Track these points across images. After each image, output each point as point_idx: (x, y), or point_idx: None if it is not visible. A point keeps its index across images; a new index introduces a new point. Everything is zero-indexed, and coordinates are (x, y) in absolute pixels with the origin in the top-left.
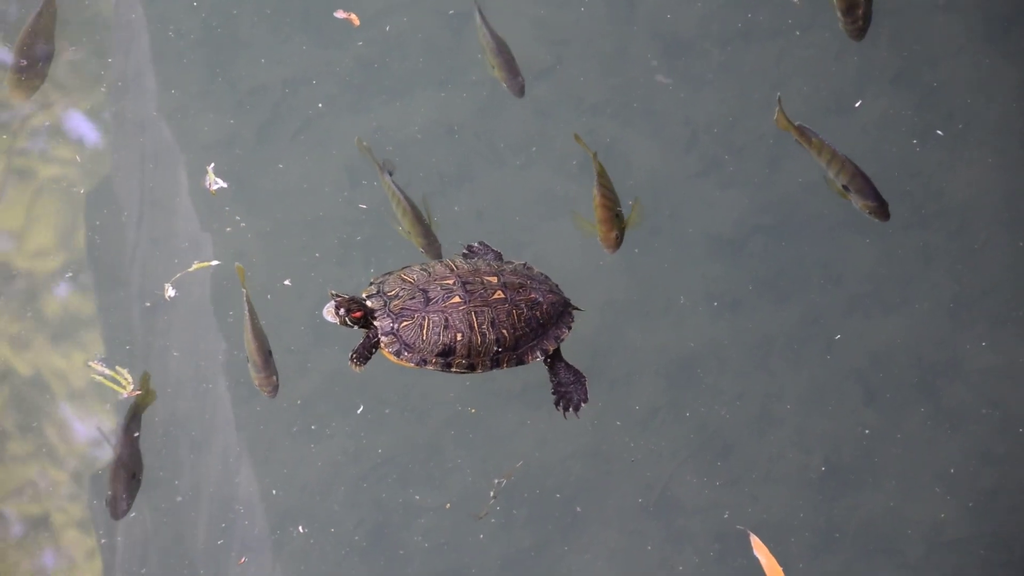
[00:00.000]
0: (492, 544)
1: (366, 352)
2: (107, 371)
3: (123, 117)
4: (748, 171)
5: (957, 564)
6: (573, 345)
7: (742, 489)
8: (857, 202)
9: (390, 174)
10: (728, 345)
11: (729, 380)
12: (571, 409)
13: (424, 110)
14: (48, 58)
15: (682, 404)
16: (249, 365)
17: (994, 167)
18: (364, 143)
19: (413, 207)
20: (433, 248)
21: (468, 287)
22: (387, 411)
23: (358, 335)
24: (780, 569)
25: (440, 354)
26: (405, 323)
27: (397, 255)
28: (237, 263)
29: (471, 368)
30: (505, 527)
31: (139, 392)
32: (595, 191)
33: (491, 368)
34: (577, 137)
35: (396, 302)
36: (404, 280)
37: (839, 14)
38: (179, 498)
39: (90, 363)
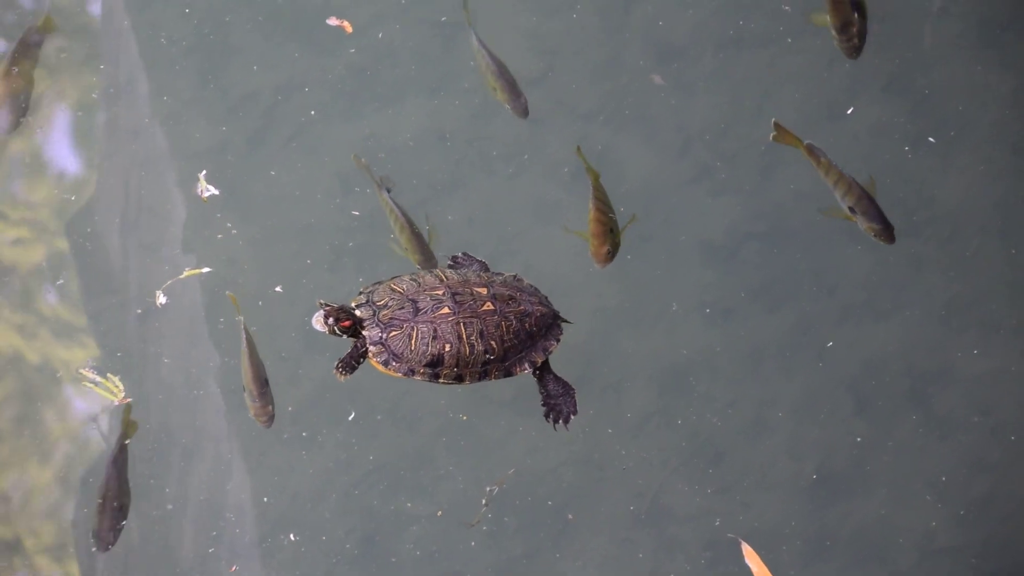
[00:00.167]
0: (484, 552)
1: (353, 362)
2: (98, 378)
3: (115, 124)
4: (740, 178)
5: (949, 572)
6: (565, 352)
7: (734, 497)
8: (863, 224)
9: (388, 191)
10: (720, 353)
11: (721, 388)
12: (561, 422)
13: (416, 117)
14: (26, 102)
15: (674, 412)
16: (245, 395)
17: (986, 174)
18: (363, 160)
19: (411, 224)
20: (430, 265)
21: (458, 298)
22: (379, 418)
23: (350, 343)
24: None
25: (428, 365)
26: (394, 333)
27: (389, 262)
28: (229, 292)
29: (459, 379)
30: (497, 535)
31: (128, 399)
32: (591, 204)
33: (479, 380)
34: (578, 150)
35: (385, 312)
36: (394, 290)
37: (833, 32)
38: (169, 506)
39: (81, 370)
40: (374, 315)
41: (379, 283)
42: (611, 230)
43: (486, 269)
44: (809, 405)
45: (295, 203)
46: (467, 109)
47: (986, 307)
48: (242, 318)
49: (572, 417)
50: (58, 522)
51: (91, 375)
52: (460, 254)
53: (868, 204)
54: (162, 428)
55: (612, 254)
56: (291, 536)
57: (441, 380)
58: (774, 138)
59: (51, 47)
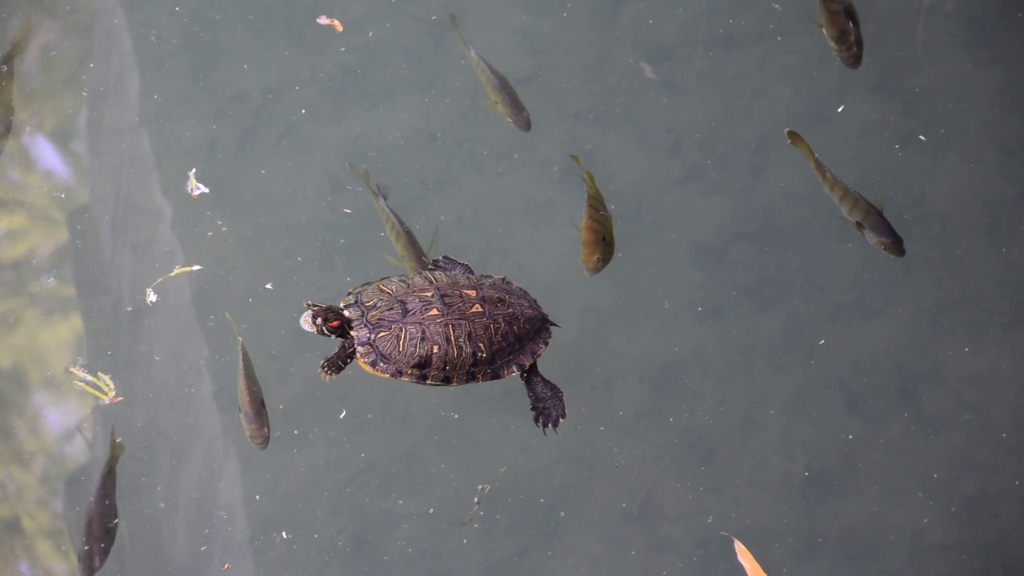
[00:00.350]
0: (475, 550)
1: (339, 362)
2: (89, 377)
3: (105, 122)
4: (730, 178)
5: (939, 570)
6: (556, 351)
7: (725, 495)
8: (872, 239)
9: (384, 198)
10: (711, 352)
11: (712, 386)
12: (550, 425)
13: (406, 116)
14: (7, 129)
15: (665, 410)
16: (240, 416)
17: (976, 173)
18: (364, 167)
19: (407, 232)
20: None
21: (447, 300)
22: (370, 416)
23: (339, 342)
24: (764, 575)
25: (416, 366)
26: (382, 334)
27: (379, 261)
28: (228, 313)
29: (446, 381)
30: (488, 533)
31: (119, 398)
32: (584, 211)
33: (466, 381)
34: (574, 158)
35: (374, 313)
36: (383, 291)
37: (832, 43)
38: (161, 504)
39: (71, 369)
40: (362, 316)
41: (368, 284)
42: (603, 238)
43: (470, 272)
44: (800, 403)
45: (285, 201)
46: (457, 108)
47: (976, 306)
48: (241, 339)
49: (561, 420)
50: (52, 511)
51: (82, 374)
52: (441, 258)
53: (876, 218)
54: (152, 426)
55: (603, 263)
56: (283, 534)
57: (429, 382)
58: (789, 135)
59: (41, 46)
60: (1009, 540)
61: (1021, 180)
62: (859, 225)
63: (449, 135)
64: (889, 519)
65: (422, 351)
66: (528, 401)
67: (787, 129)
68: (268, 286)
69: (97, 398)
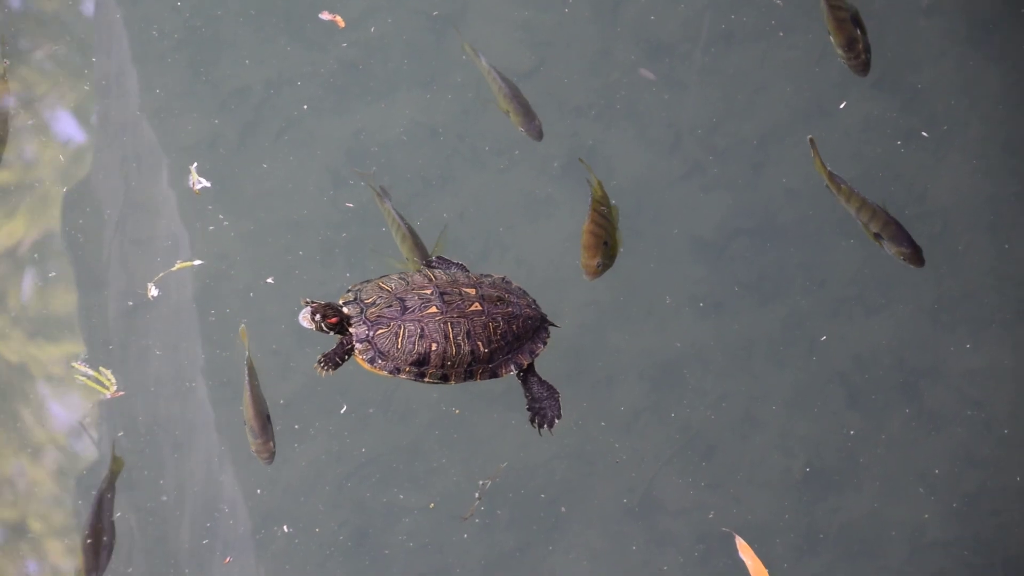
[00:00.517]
0: (476, 544)
1: (336, 358)
2: (90, 372)
3: (105, 117)
4: (731, 174)
5: (940, 566)
6: (556, 347)
7: (726, 490)
8: (891, 249)
9: (389, 199)
10: (711, 347)
11: (712, 382)
12: (545, 426)
13: (408, 112)
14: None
15: (666, 406)
16: (246, 430)
17: (977, 170)
18: (373, 170)
19: (412, 233)
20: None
21: (446, 298)
22: (371, 411)
23: (338, 338)
24: (765, 571)
25: (414, 363)
26: (381, 331)
27: (379, 256)
28: (242, 326)
29: (444, 379)
30: (489, 527)
31: (120, 392)
32: (589, 215)
33: (464, 380)
34: (582, 160)
35: (373, 310)
36: (382, 288)
37: (840, 51)
38: (164, 497)
39: (73, 364)
40: (361, 312)
41: (367, 281)
42: (605, 243)
43: (465, 271)
44: (801, 399)
45: (287, 196)
46: (459, 104)
47: (977, 302)
48: (249, 352)
49: (556, 421)
50: (64, 508)
51: (83, 368)
52: (435, 259)
53: (895, 229)
54: (154, 420)
55: (603, 268)
56: (284, 528)
57: (427, 379)
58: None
59: (44, 41)
60: (1010, 536)
61: (1023, 177)
62: (877, 236)
63: (450, 131)
64: (890, 515)
65: (420, 348)
66: (524, 400)
67: (809, 136)
68: (269, 280)
69: (99, 393)
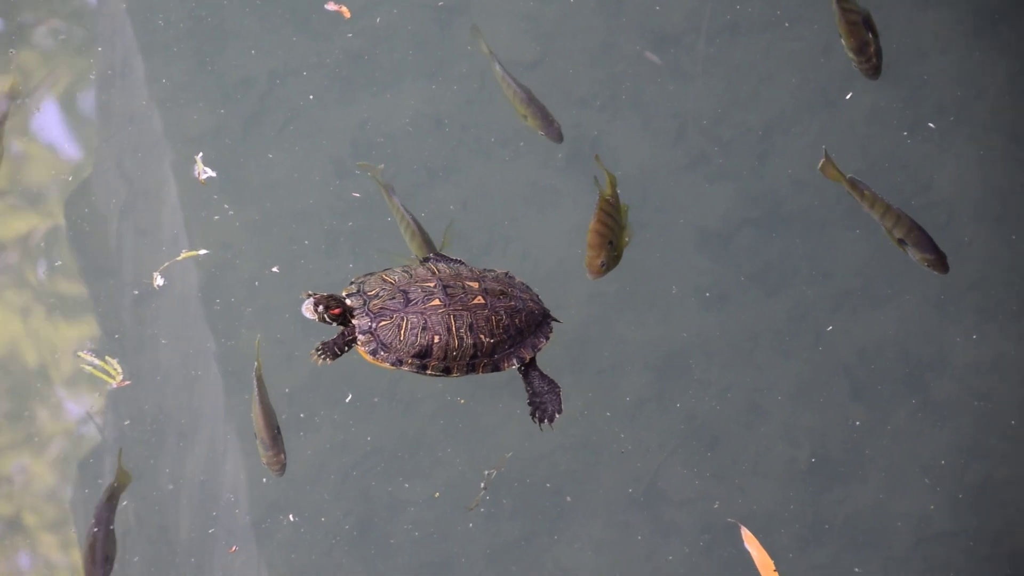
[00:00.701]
0: (481, 534)
1: (335, 348)
2: (96, 361)
3: (111, 106)
4: (736, 164)
5: (944, 557)
6: (561, 338)
7: (731, 481)
8: (915, 255)
9: (396, 195)
10: (717, 338)
11: (717, 373)
12: (546, 421)
13: (413, 102)
14: None
15: (671, 396)
16: (257, 442)
17: (983, 161)
18: (379, 167)
19: (421, 230)
20: None
21: (449, 291)
22: (376, 400)
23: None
24: (771, 562)
25: (416, 355)
26: (383, 323)
27: (384, 245)
28: (258, 337)
29: (447, 371)
30: (494, 517)
31: (126, 382)
32: (595, 213)
33: (466, 373)
34: (597, 158)
35: (376, 302)
36: (385, 281)
37: (851, 55)
38: (170, 486)
39: (79, 353)
40: (364, 304)
41: (370, 274)
42: (611, 242)
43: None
44: (806, 390)
45: (292, 186)
46: (464, 94)
47: (983, 293)
48: (259, 362)
49: (557, 416)
50: (58, 502)
51: (89, 358)
52: (432, 255)
53: (919, 235)
54: (159, 409)
55: (606, 267)
56: (289, 517)
57: (429, 372)
58: (821, 167)
59: (48, 30)
60: (1016, 528)
61: None
62: (901, 242)
63: (455, 121)
64: (895, 506)
65: (423, 341)
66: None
67: (823, 146)
68: (274, 269)
69: (105, 382)
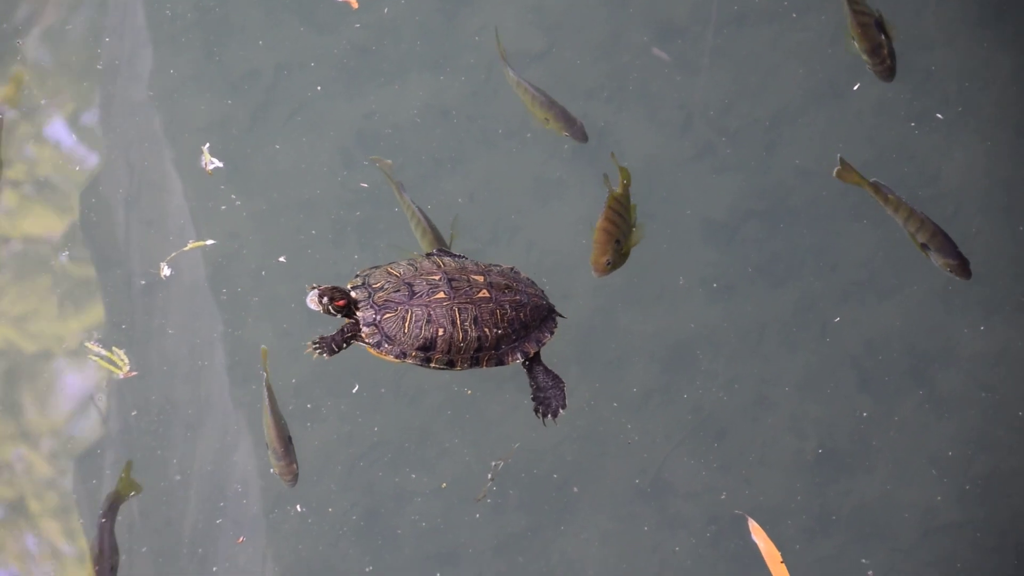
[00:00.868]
0: (488, 525)
1: (334, 344)
2: (104, 352)
3: (118, 97)
4: (743, 155)
5: (951, 548)
6: (568, 330)
7: (737, 472)
8: (938, 260)
9: (402, 187)
10: (724, 329)
11: (724, 364)
12: (549, 415)
13: (419, 94)
14: None
15: (677, 387)
16: (269, 452)
17: (990, 153)
18: (388, 161)
19: (432, 227)
20: None
21: (454, 284)
22: (382, 391)
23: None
24: (778, 553)
25: (420, 348)
26: (388, 315)
27: (391, 236)
28: (263, 346)
29: (450, 364)
30: (500, 508)
31: (133, 373)
32: (603, 211)
33: (470, 366)
34: (613, 156)
35: (380, 294)
36: (390, 273)
37: (865, 57)
38: (177, 476)
39: (87, 343)
40: (369, 297)
41: (376, 267)
42: (617, 241)
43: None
44: (813, 382)
45: (298, 177)
46: (470, 86)
47: (990, 284)
48: (267, 373)
49: (561, 411)
50: (60, 489)
51: (97, 348)
52: (435, 251)
53: (943, 240)
54: (167, 400)
55: (612, 266)
56: (297, 507)
57: (432, 365)
58: (837, 173)
59: (55, 21)
60: (1022, 519)
61: None
62: (924, 247)
63: (462, 112)
64: (902, 497)
65: (427, 333)
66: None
67: (839, 155)
68: (281, 259)
69: (112, 373)
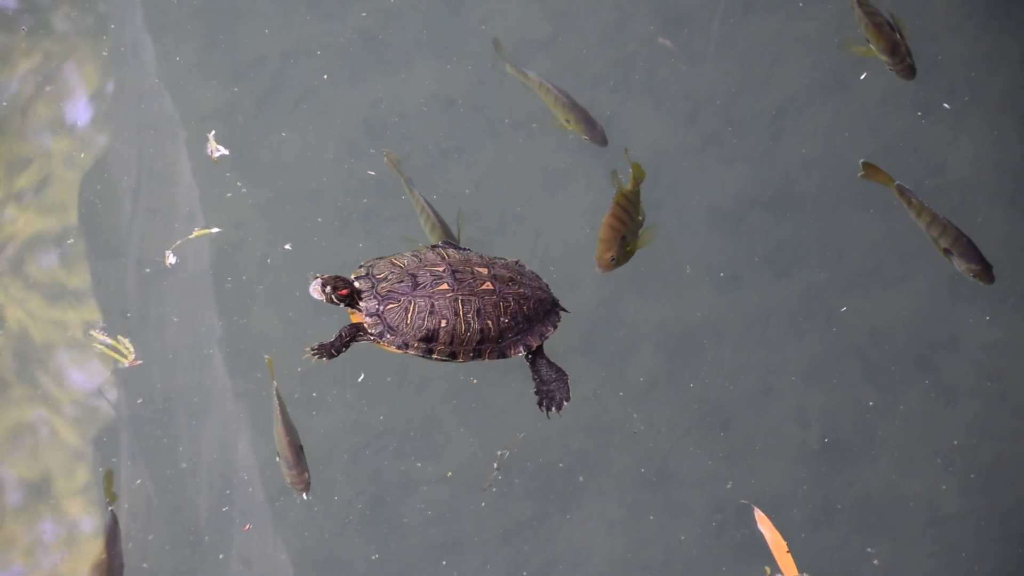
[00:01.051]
0: (493, 513)
1: (333, 350)
2: (108, 340)
3: (123, 85)
4: (749, 145)
5: (956, 538)
6: (574, 319)
7: (743, 462)
8: (960, 265)
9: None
10: (729, 318)
11: (730, 353)
12: (553, 408)
13: (425, 83)
14: None
15: (683, 377)
16: (280, 461)
17: (996, 142)
18: (396, 156)
19: (441, 221)
20: None
21: (457, 275)
22: (388, 380)
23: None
24: (784, 543)
25: (423, 339)
26: (391, 306)
27: (395, 226)
28: (267, 355)
29: (452, 356)
30: (506, 497)
31: (138, 361)
32: (611, 207)
33: (472, 358)
34: (626, 152)
35: (384, 285)
36: (394, 264)
37: (884, 57)
38: (183, 465)
39: (91, 332)
40: (372, 287)
41: (380, 258)
42: (624, 237)
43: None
44: (818, 371)
45: (304, 165)
46: (476, 75)
47: (996, 274)
48: (276, 382)
49: (565, 404)
50: (87, 464)
51: (101, 337)
52: (440, 243)
53: (966, 245)
54: (172, 389)
55: (616, 262)
56: (303, 496)
57: (435, 356)
58: (862, 176)
59: (61, 9)
60: None
61: None
62: (947, 251)
63: (468, 102)
64: (906, 487)
65: (430, 324)
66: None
67: (861, 161)
68: (287, 247)
69: (117, 361)
